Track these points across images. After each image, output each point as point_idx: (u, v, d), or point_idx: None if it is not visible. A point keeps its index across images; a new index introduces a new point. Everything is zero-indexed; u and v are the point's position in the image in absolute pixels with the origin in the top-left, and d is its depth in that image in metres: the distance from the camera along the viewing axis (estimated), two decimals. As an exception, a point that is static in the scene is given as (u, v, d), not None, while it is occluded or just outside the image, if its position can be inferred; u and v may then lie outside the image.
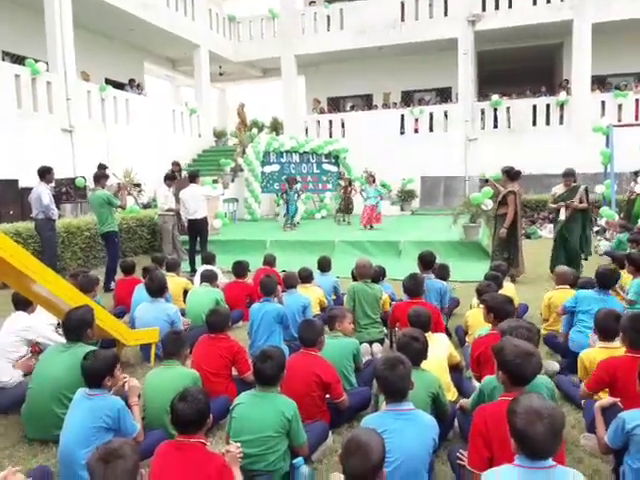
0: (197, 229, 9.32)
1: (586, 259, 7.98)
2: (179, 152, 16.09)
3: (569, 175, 7.95)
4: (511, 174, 7.93)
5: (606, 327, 3.67)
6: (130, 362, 5.09)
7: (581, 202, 7.76)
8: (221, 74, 21.35)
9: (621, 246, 8.80)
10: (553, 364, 4.48)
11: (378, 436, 2.20)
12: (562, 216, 7.83)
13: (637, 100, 15.82)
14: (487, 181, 9.11)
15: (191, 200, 9.17)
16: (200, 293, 5.96)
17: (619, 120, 15.17)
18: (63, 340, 4.03)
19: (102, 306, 4.95)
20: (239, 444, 2.79)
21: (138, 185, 13.21)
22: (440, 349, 3.81)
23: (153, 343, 4.90)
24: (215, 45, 18.67)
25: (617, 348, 3.53)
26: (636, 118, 15.51)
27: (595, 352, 3.67)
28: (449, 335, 5.01)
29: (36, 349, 4.64)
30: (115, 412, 3.06)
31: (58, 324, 4.79)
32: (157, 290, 5.22)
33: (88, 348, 3.54)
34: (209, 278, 6.16)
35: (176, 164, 13.77)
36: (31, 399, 3.61)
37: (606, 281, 4.76)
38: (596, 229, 11.94)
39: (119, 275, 7.26)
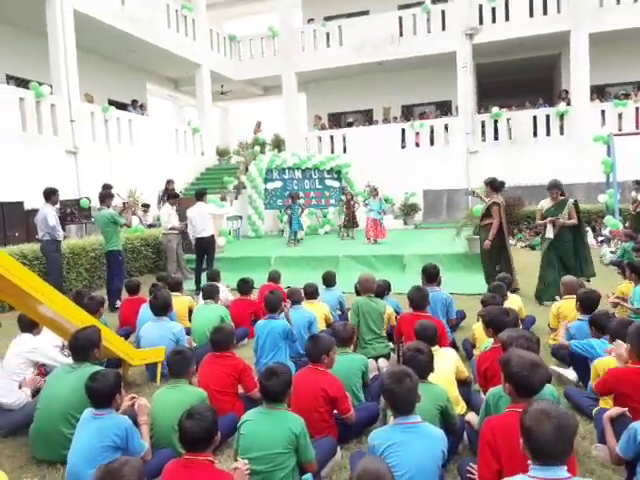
0: (204, 247, 9.31)
1: (588, 281, 6.99)
2: (182, 171, 16.22)
3: (554, 187, 7.28)
4: (494, 185, 7.75)
5: (623, 336, 3.62)
6: (137, 382, 5.08)
7: (570, 218, 7.11)
8: (223, 93, 21.57)
9: (626, 255, 8.74)
10: (571, 373, 4.41)
11: (386, 465, 2.29)
12: (549, 234, 7.15)
13: (637, 108, 15.84)
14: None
15: (198, 218, 9.15)
16: (205, 310, 5.95)
17: (620, 129, 15.19)
18: (69, 361, 4.04)
19: (108, 326, 4.98)
20: (247, 461, 2.79)
21: (146, 205, 13.28)
22: (447, 363, 3.80)
23: (159, 362, 4.90)
24: (216, 64, 18.87)
25: None
26: (637, 126, 15.51)
27: (611, 360, 3.64)
28: (456, 348, 4.99)
29: (42, 371, 4.64)
30: (123, 431, 3.07)
31: (63, 345, 4.81)
32: (161, 308, 5.21)
33: (95, 368, 3.55)
34: (210, 293, 6.15)
35: (170, 182, 13.72)
36: (39, 420, 3.61)
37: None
38: (601, 239, 11.90)
39: (124, 295, 7.27)
